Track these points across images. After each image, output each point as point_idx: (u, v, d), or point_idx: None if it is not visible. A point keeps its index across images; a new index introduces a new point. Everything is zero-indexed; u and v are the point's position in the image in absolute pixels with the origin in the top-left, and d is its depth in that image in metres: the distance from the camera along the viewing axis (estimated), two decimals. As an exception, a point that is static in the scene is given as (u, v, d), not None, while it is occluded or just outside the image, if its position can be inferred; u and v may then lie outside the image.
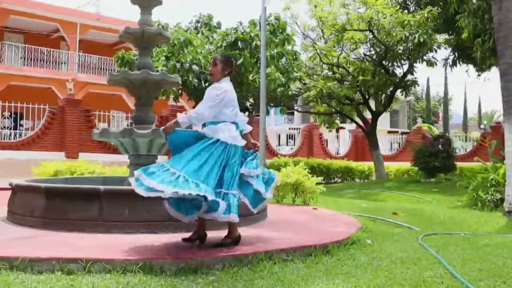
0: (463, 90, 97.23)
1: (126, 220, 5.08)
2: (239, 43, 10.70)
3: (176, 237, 4.82)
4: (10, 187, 6.21)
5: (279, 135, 25.52)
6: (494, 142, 9.97)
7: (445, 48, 15.10)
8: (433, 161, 13.20)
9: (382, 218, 7.31)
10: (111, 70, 23.80)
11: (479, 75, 15.71)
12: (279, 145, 24.20)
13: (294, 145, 23.95)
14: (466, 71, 16.00)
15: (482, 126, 40.79)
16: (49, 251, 4.01)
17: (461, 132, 35.44)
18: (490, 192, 8.70)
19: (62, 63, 22.90)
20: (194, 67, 11.31)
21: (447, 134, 19.43)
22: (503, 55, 7.33)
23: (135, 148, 6.41)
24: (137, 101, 6.73)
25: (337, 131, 28.46)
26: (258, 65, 11.51)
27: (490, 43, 10.40)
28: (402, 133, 34.24)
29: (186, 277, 3.70)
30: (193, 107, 13.75)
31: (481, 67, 14.73)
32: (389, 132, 37.29)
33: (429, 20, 12.08)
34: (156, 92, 6.82)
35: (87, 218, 5.09)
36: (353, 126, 25.88)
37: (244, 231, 5.29)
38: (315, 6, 14.91)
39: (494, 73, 18.85)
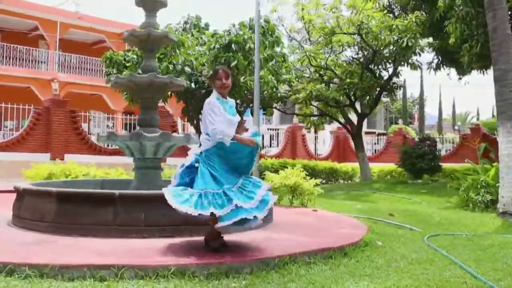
0: (435, 92, 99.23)
1: (141, 225, 5.06)
2: (233, 46, 10.72)
3: (194, 241, 4.85)
4: (14, 190, 6.14)
5: (263, 136, 25.62)
6: (483, 145, 10.27)
7: (428, 52, 15.45)
8: (420, 162, 13.51)
9: (383, 220, 7.46)
10: (92, 69, 23.48)
11: (460, 78, 16.12)
12: (263, 147, 24.28)
13: (277, 145, 24.10)
14: (448, 74, 16.41)
15: (456, 127, 41.86)
16: (74, 257, 3.97)
17: (436, 133, 36.21)
18: (481, 194, 8.95)
19: (41, 62, 22.44)
20: (186, 68, 11.28)
21: (430, 135, 19.80)
22: (498, 61, 7.57)
23: (142, 151, 6.39)
24: (142, 104, 6.69)
25: (315, 131, 28.68)
26: (250, 67, 11.56)
27: (477, 49, 10.69)
28: (379, 134, 34.83)
29: (219, 282, 3.73)
30: (182, 109, 13.67)
31: (466, 71, 15.14)
32: (366, 133, 37.81)
33: (417, 24, 12.36)
34: (161, 95, 6.80)
35: (102, 223, 5.05)
36: (333, 127, 26.18)
37: (256, 234, 5.37)
38: (302, 9, 15.05)
39: (474, 76, 19.25)
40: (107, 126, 22.33)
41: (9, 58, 21.40)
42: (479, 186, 9.17)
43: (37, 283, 3.55)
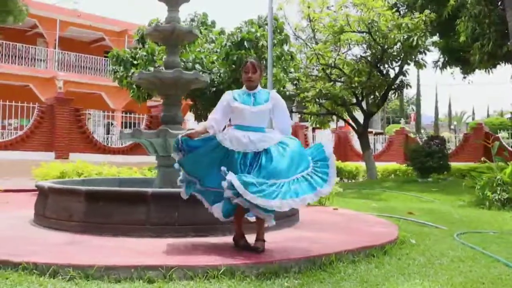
0: (427, 92, 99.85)
1: (174, 224, 4.94)
2: (245, 43, 10.60)
3: (230, 240, 4.74)
4: (37, 189, 6.00)
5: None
6: (496, 144, 10.24)
7: (430, 51, 15.43)
8: (429, 161, 13.48)
9: (405, 218, 7.39)
10: (91, 68, 23.25)
11: (464, 77, 16.17)
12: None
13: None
14: (452, 73, 16.43)
15: (452, 127, 42.06)
16: (117, 257, 3.85)
17: (433, 133, 36.36)
18: (497, 192, 8.93)
19: (40, 60, 22.16)
20: (197, 66, 11.16)
21: (438, 134, 19.81)
22: (520, 59, 7.54)
23: (166, 149, 6.25)
24: (166, 100, 6.56)
25: (313, 130, 28.65)
26: (262, 65, 11.45)
27: (489, 47, 10.68)
28: (376, 134, 34.84)
29: (271, 281, 3.62)
30: (190, 107, 13.56)
31: (470, 70, 15.18)
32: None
33: (425, 23, 12.33)
34: (185, 92, 6.67)
35: (134, 222, 4.92)
36: (332, 126, 26.15)
37: (288, 233, 5.28)
38: (308, 7, 14.96)
39: (477, 76, 19.25)
40: (105, 125, 22.09)
41: (8, 56, 21.11)
42: (495, 185, 9.15)
43: (84, 285, 3.42)
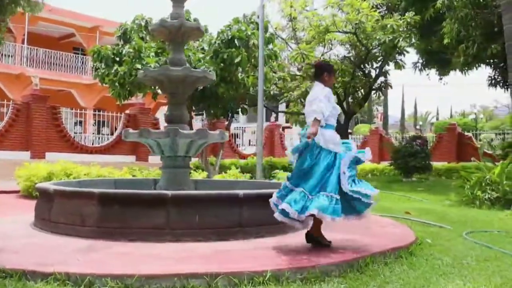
0: (391, 93, 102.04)
1: (195, 228, 4.76)
2: (236, 41, 10.44)
3: (260, 244, 4.61)
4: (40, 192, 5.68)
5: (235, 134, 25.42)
6: (484, 144, 10.46)
7: (408, 52, 15.68)
8: (412, 161, 13.69)
9: (408, 218, 7.43)
10: (61, 65, 22.48)
11: (440, 78, 16.53)
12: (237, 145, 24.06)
13: (242, 144, 24.04)
14: (427, 74, 16.76)
15: (417, 127, 43.05)
16: (153, 265, 3.66)
17: (399, 132, 37.08)
18: (487, 191, 9.11)
19: (8, 56, 21.23)
20: (185, 64, 10.89)
21: (420, 134, 20.14)
22: (515, 62, 7.71)
23: (174, 149, 6.05)
24: (172, 99, 6.34)
25: (283, 130, 28.74)
26: (250, 64, 11.32)
27: (474, 49, 10.90)
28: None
29: (318, 286, 3.53)
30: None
31: (446, 72, 15.53)
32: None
33: (408, 24, 12.50)
34: (191, 90, 6.47)
35: (153, 226, 4.72)
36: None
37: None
38: (291, 6, 14.93)
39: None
40: (74, 123, 21.40)
41: (-28, 51, 20.17)
42: (484, 184, 9.34)
43: (128, 296, 3.23)
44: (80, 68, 23.40)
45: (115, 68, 11.51)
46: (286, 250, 4.38)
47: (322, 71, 4.68)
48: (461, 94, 71.42)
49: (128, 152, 15.56)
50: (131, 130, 6.10)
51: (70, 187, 5.39)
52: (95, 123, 20.67)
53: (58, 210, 5.14)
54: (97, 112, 19.14)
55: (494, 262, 4.53)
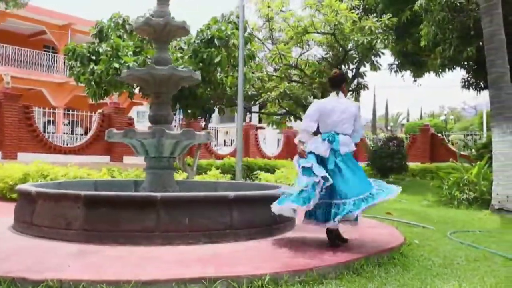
0: (364, 93, 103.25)
1: (185, 230, 4.67)
2: (216, 41, 10.34)
3: (246, 245, 4.57)
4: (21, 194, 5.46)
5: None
6: (460, 145, 10.67)
7: (383, 54, 15.88)
8: (389, 161, 13.85)
9: (391, 218, 7.50)
10: (31, 63, 21.87)
11: (415, 80, 16.79)
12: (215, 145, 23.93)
13: (216, 145, 23.97)
14: (402, 76, 16.98)
15: (389, 128, 43.71)
16: (148, 269, 3.55)
17: (371, 133, 37.59)
18: (465, 191, 9.29)
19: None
20: (163, 63, 10.72)
21: (396, 135, 20.39)
22: (494, 64, 7.87)
23: (159, 150, 5.92)
24: (156, 99, 6.21)
25: (256, 130, 28.71)
26: (230, 64, 11.24)
27: (450, 52, 11.09)
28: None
29: (318, 289, 3.51)
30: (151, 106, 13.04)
31: (421, 74, 15.78)
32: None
33: (387, 26, 12.65)
34: (176, 90, 6.36)
35: (142, 229, 4.60)
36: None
37: (299, 236, 5.16)
38: (268, 7, 14.92)
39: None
40: (45, 122, 20.85)
41: None
42: (462, 184, 9.52)
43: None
44: (51, 66, 22.81)
45: (91, 66, 11.24)
46: (280, 252, 4.34)
47: (342, 82, 4.92)
48: (430, 96, 72.96)
49: (102, 153, 15.26)
50: (115, 131, 5.94)
51: (53, 189, 5.20)
52: (68, 122, 20.19)
53: (41, 213, 4.96)
54: (70, 112, 18.68)
55: (484, 262, 4.61)
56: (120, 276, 3.34)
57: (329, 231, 4.72)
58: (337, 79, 4.91)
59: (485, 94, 15.39)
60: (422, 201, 10.55)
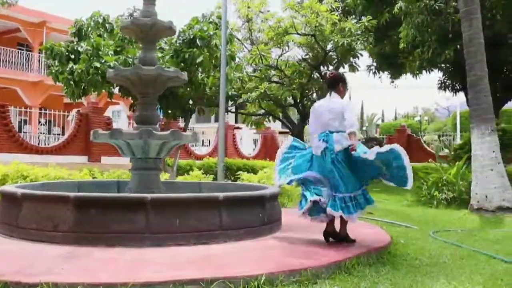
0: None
1: (176, 231, 4.65)
2: (198, 41, 10.30)
3: (236, 246, 4.58)
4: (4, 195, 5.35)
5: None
6: (439, 147, 10.90)
7: (362, 55, 16.09)
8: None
9: (374, 218, 7.60)
10: (4, 61, 21.37)
11: (392, 81, 17.06)
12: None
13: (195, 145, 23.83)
14: (379, 77, 17.23)
15: (364, 128, 44.23)
16: (143, 272, 3.53)
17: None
18: (444, 191, 9.49)
19: None
20: (144, 63, 10.63)
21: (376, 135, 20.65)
22: (473, 68, 8.06)
23: (145, 151, 5.88)
24: (142, 99, 6.16)
25: (233, 130, 28.72)
26: (212, 64, 11.21)
27: (429, 54, 11.31)
28: (292, 134, 35.67)
29: (313, 289, 3.55)
30: (130, 106, 12.93)
31: (398, 75, 16.05)
32: (280, 132, 38.65)
33: (367, 28, 12.83)
34: (162, 90, 6.32)
35: (132, 230, 4.56)
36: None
37: (287, 236, 5.20)
38: (248, 7, 14.95)
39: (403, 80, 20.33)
40: (19, 121, 20.42)
41: None
42: (440, 185, 9.72)
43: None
44: (25, 65, 22.34)
45: (70, 66, 11.07)
46: (272, 253, 4.37)
47: (338, 82, 4.96)
48: (404, 97, 74.17)
49: (80, 153, 15.04)
50: (101, 131, 5.88)
51: (39, 191, 5.11)
52: (45, 122, 19.82)
53: (28, 215, 4.86)
54: (47, 112, 18.33)
55: (469, 260, 4.72)
56: (115, 278, 3.31)
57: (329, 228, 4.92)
58: (331, 80, 5.01)
59: (460, 95, 15.81)
60: (402, 201, 10.74)
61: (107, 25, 11.32)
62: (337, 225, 5.01)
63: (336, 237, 4.96)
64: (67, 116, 17.98)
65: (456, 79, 13.47)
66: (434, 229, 6.78)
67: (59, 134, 17.21)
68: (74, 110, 19.67)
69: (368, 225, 6.51)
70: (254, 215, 5.25)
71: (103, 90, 11.95)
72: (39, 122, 20.20)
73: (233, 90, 13.65)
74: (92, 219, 4.59)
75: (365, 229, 5.98)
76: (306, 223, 5.77)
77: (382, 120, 54.46)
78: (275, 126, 29.03)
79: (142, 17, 6.19)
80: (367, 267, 4.19)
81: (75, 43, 11.72)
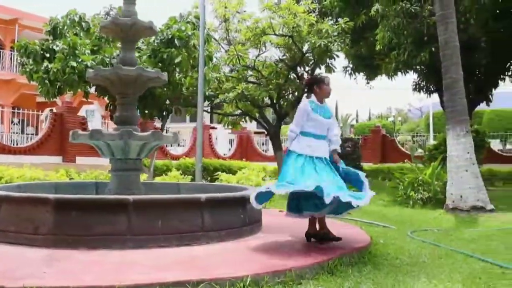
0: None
1: (158, 233, 4.63)
2: (176, 41, 10.24)
3: (219, 247, 4.59)
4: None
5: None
6: (414, 147, 11.09)
7: (338, 57, 16.24)
8: (344, 162, 14.02)
9: (354, 218, 7.67)
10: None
11: (368, 83, 17.30)
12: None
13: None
14: (355, 78, 17.44)
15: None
16: (128, 274, 3.51)
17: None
18: (420, 191, 9.66)
19: None
20: (122, 63, 10.52)
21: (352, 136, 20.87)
22: (449, 70, 8.25)
23: (125, 152, 5.83)
24: (122, 99, 6.10)
25: (208, 130, 28.66)
26: (190, 65, 11.17)
27: (404, 56, 11.51)
28: (266, 134, 35.81)
29: (296, 290, 3.59)
30: (107, 106, 12.76)
31: (373, 77, 16.28)
32: (256, 133, 38.70)
33: (344, 30, 12.96)
34: (142, 91, 6.28)
35: (114, 232, 4.52)
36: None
37: (268, 237, 5.21)
38: (225, 7, 14.91)
39: (377, 81, 20.68)
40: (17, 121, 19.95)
41: None
42: (416, 185, 9.90)
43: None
44: (-3, 63, 21.83)
45: (45, 64, 10.88)
46: (256, 254, 4.39)
47: (311, 85, 5.09)
48: (378, 98, 75.23)
49: (54, 153, 14.78)
50: (80, 132, 5.81)
51: (16, 192, 5.01)
52: (18, 121, 19.38)
53: (6, 217, 4.76)
54: (20, 111, 17.97)
55: (447, 259, 4.83)
56: (100, 281, 3.29)
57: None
58: (305, 86, 5.37)
59: (434, 96, 16.14)
60: (377, 201, 10.88)
61: (83, 23, 11.16)
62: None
63: (317, 237, 5.00)
64: (41, 115, 17.66)
65: (431, 80, 13.74)
66: (411, 228, 6.91)
67: (32, 134, 16.86)
68: (47, 109, 19.33)
69: (348, 225, 6.59)
70: (235, 216, 5.26)
71: (79, 90, 11.78)
72: (12, 121, 19.75)
73: (210, 90, 13.62)
74: (73, 221, 4.53)
75: (346, 229, 6.04)
76: (286, 224, 5.83)
77: (357, 121, 55.13)
78: (251, 126, 29.11)
79: (123, 17, 6.14)
80: (349, 267, 4.24)
81: (50, 41, 11.52)
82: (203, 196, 5.02)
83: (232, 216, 5.21)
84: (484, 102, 14.49)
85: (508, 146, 26.16)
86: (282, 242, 5.01)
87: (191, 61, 11.25)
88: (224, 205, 5.21)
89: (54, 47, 10.71)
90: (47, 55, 11.17)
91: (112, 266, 3.73)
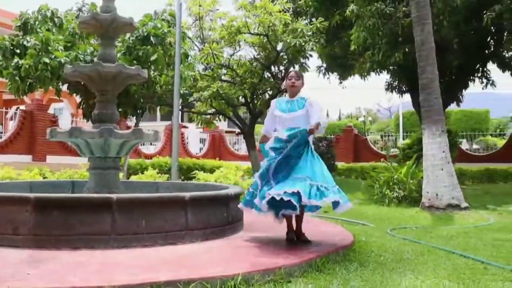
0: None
1: (142, 232, 4.55)
2: (152, 39, 10.09)
3: (204, 246, 4.55)
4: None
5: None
6: (389, 146, 11.24)
7: (312, 56, 16.34)
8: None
9: (333, 217, 7.73)
10: None
11: (340, 82, 17.47)
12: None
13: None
14: (328, 78, 17.59)
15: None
16: (117, 275, 3.42)
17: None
18: (395, 190, 9.81)
19: None
20: (96, 59, 10.29)
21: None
22: (425, 71, 8.39)
23: (105, 150, 5.71)
24: (101, 96, 5.98)
25: (180, 129, 28.47)
26: (165, 62, 11.03)
27: (379, 56, 11.66)
28: (238, 134, 35.80)
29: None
30: (79, 104, 12.47)
31: (346, 76, 16.45)
32: (227, 132, 38.63)
33: (319, 30, 13.02)
34: (122, 88, 6.16)
35: (97, 232, 4.42)
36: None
37: (253, 236, 5.19)
38: (200, 6, 14.81)
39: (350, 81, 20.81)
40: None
41: None
42: (392, 183, 10.04)
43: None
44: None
45: (15, 60, 10.56)
46: (242, 252, 4.36)
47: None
48: (349, 98, 76.08)
49: (23, 152, 14.37)
50: (59, 129, 5.66)
51: (-4, 192, 4.84)
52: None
53: (-19, 218, 4.58)
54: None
55: (429, 256, 4.89)
56: (87, 282, 3.20)
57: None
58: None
59: (405, 96, 16.41)
60: (353, 200, 10.99)
61: (56, 19, 10.87)
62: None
63: (300, 236, 5.00)
64: (6, 113, 17.16)
65: (403, 81, 13.98)
66: (389, 226, 6.99)
67: (1, 132, 16.36)
68: (14, 107, 18.81)
69: (330, 224, 6.63)
70: (219, 214, 5.22)
71: (51, 87, 11.48)
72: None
73: (184, 88, 13.50)
74: (54, 220, 4.40)
75: (328, 228, 6.09)
76: (267, 222, 5.82)
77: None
78: (222, 125, 29.06)
79: (102, 12, 6.01)
80: (336, 265, 4.25)
81: (20, 37, 11.19)
82: (187, 194, 4.96)
83: (216, 215, 5.16)
84: (455, 102, 14.84)
85: (474, 146, 26.89)
86: (266, 240, 5.00)
87: (166, 59, 11.10)
88: (208, 204, 5.16)
89: (25, 42, 10.40)
90: (18, 51, 10.84)
91: (97, 267, 3.64)
